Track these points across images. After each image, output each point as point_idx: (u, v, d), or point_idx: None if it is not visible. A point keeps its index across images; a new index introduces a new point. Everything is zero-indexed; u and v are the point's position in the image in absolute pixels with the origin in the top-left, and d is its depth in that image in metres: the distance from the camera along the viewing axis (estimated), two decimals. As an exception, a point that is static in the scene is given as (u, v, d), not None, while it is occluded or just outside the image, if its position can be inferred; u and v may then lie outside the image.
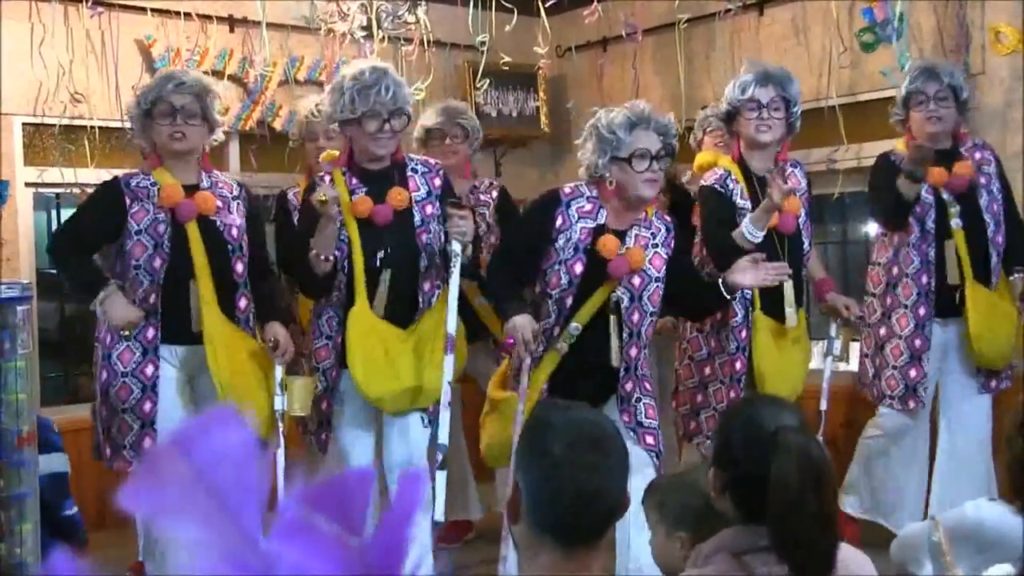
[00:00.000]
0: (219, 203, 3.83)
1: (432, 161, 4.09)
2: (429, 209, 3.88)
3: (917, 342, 4.47)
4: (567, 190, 3.78)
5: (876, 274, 4.61)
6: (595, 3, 5.73)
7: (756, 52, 5.92)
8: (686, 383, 4.34)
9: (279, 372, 3.76)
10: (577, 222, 3.71)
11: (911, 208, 4.40)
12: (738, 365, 4.16)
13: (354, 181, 3.85)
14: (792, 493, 1.91)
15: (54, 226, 5.75)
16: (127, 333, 3.69)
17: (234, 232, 3.84)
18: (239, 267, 3.83)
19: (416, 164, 3.96)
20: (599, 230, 3.71)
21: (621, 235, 3.73)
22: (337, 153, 4.05)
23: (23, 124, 5.27)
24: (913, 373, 4.48)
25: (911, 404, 4.50)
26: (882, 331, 4.54)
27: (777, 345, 4.18)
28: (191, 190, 3.83)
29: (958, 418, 4.60)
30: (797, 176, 4.30)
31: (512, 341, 3.62)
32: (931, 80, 4.46)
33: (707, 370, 4.26)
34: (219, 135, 3.97)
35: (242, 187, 4.00)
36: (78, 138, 5.34)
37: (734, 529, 2.04)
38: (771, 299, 4.16)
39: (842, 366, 4.73)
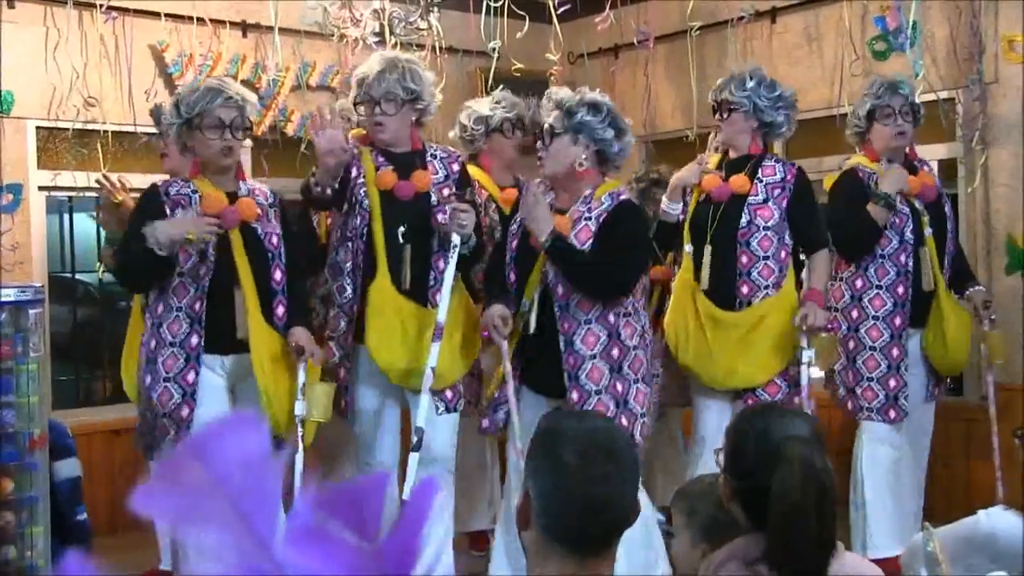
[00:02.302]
0: (259, 210, 3.85)
1: (451, 149, 4.33)
2: (445, 192, 4.06)
3: (894, 351, 4.46)
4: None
5: (839, 289, 4.58)
6: (607, 10, 5.74)
7: (768, 60, 5.92)
8: None
9: (301, 377, 3.76)
10: None
11: (880, 236, 4.47)
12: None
13: (380, 159, 4.04)
14: (793, 503, 1.91)
15: (66, 230, 5.79)
16: (192, 238, 3.62)
17: (274, 240, 3.84)
18: (277, 274, 3.83)
19: (436, 150, 4.19)
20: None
21: (563, 212, 3.90)
22: (364, 131, 4.21)
23: (37, 128, 5.29)
24: (892, 383, 4.46)
25: (892, 415, 4.45)
26: (850, 345, 4.50)
27: (699, 317, 4.28)
28: (231, 198, 3.83)
29: (910, 425, 4.63)
30: (774, 169, 4.43)
31: (487, 333, 3.84)
32: (896, 95, 4.53)
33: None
34: (247, 143, 3.98)
35: (276, 195, 3.99)
36: (91, 142, 5.37)
37: (745, 538, 2.04)
38: (699, 267, 4.33)
39: (814, 372, 4.57)
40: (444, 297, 3.85)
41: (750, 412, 2.28)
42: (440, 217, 3.98)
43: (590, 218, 3.85)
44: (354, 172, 4.01)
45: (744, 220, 4.30)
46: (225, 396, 3.80)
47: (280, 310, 3.84)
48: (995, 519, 2.36)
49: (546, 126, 3.87)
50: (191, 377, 3.74)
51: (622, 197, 3.95)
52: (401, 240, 3.95)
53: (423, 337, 3.90)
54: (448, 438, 4.09)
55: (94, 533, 4.47)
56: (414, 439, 3.81)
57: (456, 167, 4.15)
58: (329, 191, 3.90)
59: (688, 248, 4.36)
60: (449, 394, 4.06)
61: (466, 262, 4.08)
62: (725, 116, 4.41)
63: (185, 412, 3.73)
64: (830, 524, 1.96)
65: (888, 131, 4.53)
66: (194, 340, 3.74)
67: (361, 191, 3.98)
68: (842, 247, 4.58)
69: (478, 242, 4.06)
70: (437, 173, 4.09)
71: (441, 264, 3.97)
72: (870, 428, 4.52)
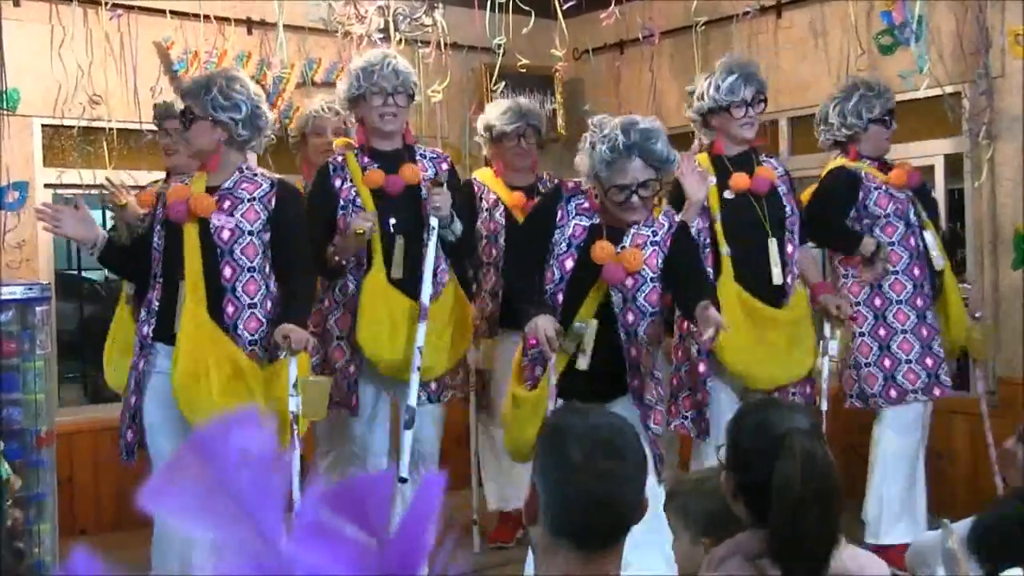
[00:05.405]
0: (226, 203, 3.70)
1: (439, 151, 4.43)
2: None
3: (924, 331, 4.54)
4: (570, 184, 3.77)
5: (856, 284, 4.58)
6: (612, 6, 5.73)
7: (773, 55, 5.91)
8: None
9: (293, 373, 3.61)
10: (574, 218, 3.68)
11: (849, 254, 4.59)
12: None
13: (366, 159, 4.15)
14: (794, 496, 1.90)
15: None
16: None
17: (224, 235, 3.66)
18: (227, 271, 3.66)
19: (425, 151, 4.31)
20: (595, 229, 3.66)
21: (619, 233, 3.66)
22: (350, 140, 4.33)
23: (42, 126, 5.30)
24: (930, 362, 4.52)
25: (937, 392, 4.52)
26: (881, 332, 4.53)
27: (751, 320, 4.14)
28: (214, 191, 3.75)
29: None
30: (773, 164, 4.43)
31: (535, 341, 3.58)
32: (888, 100, 4.63)
33: (680, 352, 4.23)
34: (243, 130, 3.74)
35: (274, 186, 3.78)
36: (96, 140, 5.38)
37: (748, 533, 2.03)
38: (755, 263, 4.18)
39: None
40: (426, 279, 3.95)
41: (750, 406, 2.27)
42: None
43: (656, 243, 3.68)
44: (338, 182, 4.10)
45: (788, 209, 4.33)
46: (166, 386, 3.66)
47: (231, 308, 3.66)
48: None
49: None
50: (141, 365, 3.76)
51: (677, 217, 3.81)
52: (392, 230, 4.05)
53: (408, 334, 3.97)
54: (434, 432, 4.19)
55: (102, 530, 4.46)
56: (405, 417, 3.90)
57: (445, 166, 4.23)
58: (345, 260, 4.04)
59: (726, 251, 4.15)
60: (433, 385, 4.13)
61: (456, 252, 4.20)
62: (758, 109, 4.30)
63: (133, 400, 3.75)
64: (834, 516, 1.96)
65: (880, 136, 4.65)
66: (145, 329, 3.77)
67: (352, 192, 4.08)
68: (824, 241, 4.79)
69: (465, 230, 4.15)
70: (427, 171, 4.18)
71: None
72: (897, 416, 4.52)
